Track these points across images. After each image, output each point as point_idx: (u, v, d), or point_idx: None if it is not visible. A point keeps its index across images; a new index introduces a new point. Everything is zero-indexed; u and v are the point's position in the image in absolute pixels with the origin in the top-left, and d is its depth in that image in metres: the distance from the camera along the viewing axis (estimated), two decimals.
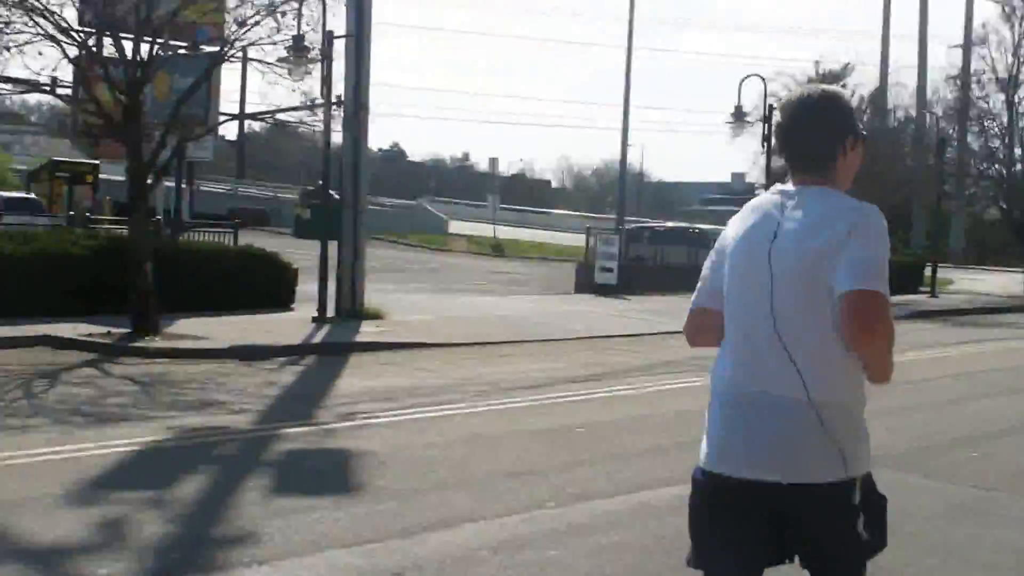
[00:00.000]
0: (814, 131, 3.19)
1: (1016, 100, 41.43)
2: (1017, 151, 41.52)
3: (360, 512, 6.86)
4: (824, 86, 3.31)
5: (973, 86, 42.96)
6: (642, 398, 12.12)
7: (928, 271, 36.68)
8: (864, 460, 3.16)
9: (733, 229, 3.26)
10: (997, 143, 41.82)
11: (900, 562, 6.25)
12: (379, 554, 6.04)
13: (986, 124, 42.08)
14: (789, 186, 3.23)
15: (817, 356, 3.06)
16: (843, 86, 51.21)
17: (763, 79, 30.97)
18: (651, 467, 8.45)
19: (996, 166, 41.78)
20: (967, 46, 48.60)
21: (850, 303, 2.93)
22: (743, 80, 30.74)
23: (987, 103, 42.14)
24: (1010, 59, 41.12)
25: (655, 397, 12.22)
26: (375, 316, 18.50)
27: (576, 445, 9.23)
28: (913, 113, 48.83)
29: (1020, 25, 41.14)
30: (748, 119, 30.79)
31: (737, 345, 3.21)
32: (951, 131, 42.77)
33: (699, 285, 3.37)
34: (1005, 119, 41.41)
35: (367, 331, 17.00)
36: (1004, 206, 41.84)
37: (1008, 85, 41.22)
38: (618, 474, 8.17)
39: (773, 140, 3.38)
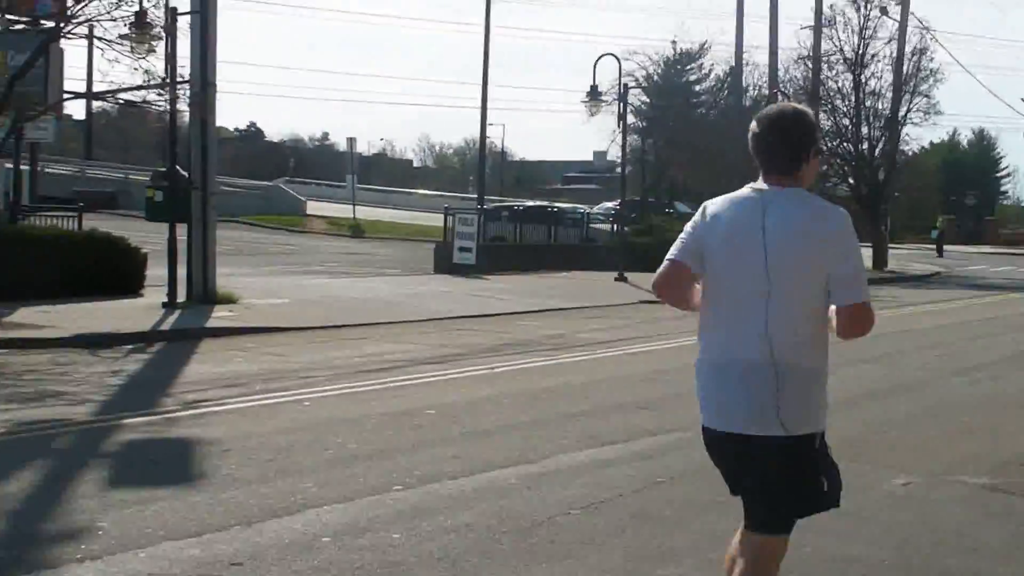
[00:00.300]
0: (786, 141, 3.89)
1: (863, 80, 42.60)
2: (864, 130, 42.71)
3: (200, 501, 6.71)
4: (795, 105, 4.01)
5: (823, 67, 44.03)
6: (494, 378, 12.13)
7: None
8: (821, 418, 3.91)
9: (716, 212, 3.92)
10: (846, 122, 42.98)
11: (729, 529, 6.36)
12: (218, 544, 5.91)
13: (836, 104, 43.19)
14: (764, 185, 3.91)
15: (794, 330, 3.80)
16: (699, 66, 52.20)
17: (617, 58, 31.21)
18: (500, 446, 8.46)
19: (845, 144, 42.96)
20: (817, 28, 49.80)
21: (850, 314, 3.78)
22: (598, 59, 30.94)
23: (836, 83, 43.26)
24: (856, 40, 42.22)
25: (507, 377, 12.24)
26: (227, 300, 18.16)
27: (426, 427, 9.19)
28: (766, 92, 49.77)
29: (866, 7, 42.24)
30: (604, 98, 31.02)
31: (728, 318, 3.88)
32: None
33: (679, 243, 3.98)
34: (853, 99, 42.55)
35: (219, 316, 16.67)
36: (853, 182, 43.11)
37: (855, 66, 42.34)
38: (466, 454, 8.15)
39: (751, 146, 4.00)
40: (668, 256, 3.99)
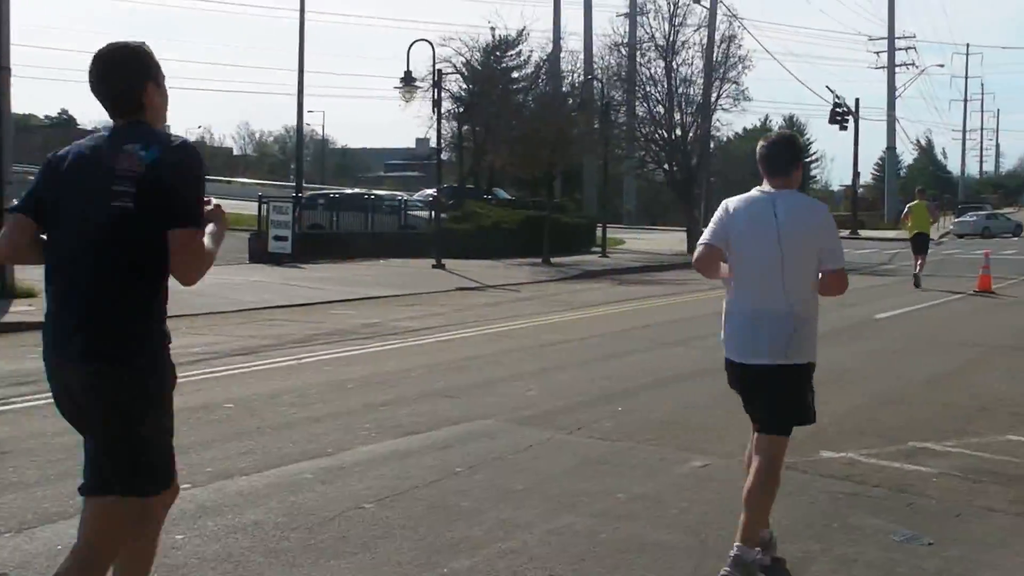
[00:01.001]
0: (783, 156, 5.47)
1: (675, 67, 43.46)
2: (677, 116, 43.58)
3: None
4: (789, 131, 5.95)
5: (637, 54, 44.76)
6: (301, 369, 11.88)
7: (600, 232, 38.07)
8: (814, 352, 5.41)
9: (736, 208, 5.39)
10: (660, 108, 43.77)
11: (523, 519, 6.32)
12: None
13: (649, 90, 43.96)
14: (770, 188, 5.41)
15: (801, 289, 5.30)
16: (517, 52, 52.45)
17: (431, 44, 31.06)
18: (298, 439, 8.27)
19: (659, 130, 43.77)
20: (632, 15, 50.57)
21: (833, 277, 5.32)
22: (411, 45, 30.75)
23: (649, 70, 44.01)
24: (668, 28, 43.05)
25: (314, 367, 12.00)
26: (28, 295, 17.34)
27: (223, 422, 8.90)
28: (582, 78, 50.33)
29: None
30: (419, 84, 30.83)
31: (753, 281, 5.33)
32: (617, 96, 44.47)
33: (710, 231, 5.40)
34: (665, 85, 43.36)
35: (16, 311, 15.92)
36: (667, 168, 44.00)
37: (667, 52, 43.17)
38: (262, 449, 7.93)
39: (758, 157, 5.50)
40: (702, 241, 5.43)
